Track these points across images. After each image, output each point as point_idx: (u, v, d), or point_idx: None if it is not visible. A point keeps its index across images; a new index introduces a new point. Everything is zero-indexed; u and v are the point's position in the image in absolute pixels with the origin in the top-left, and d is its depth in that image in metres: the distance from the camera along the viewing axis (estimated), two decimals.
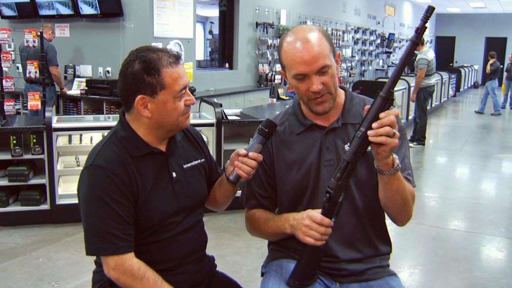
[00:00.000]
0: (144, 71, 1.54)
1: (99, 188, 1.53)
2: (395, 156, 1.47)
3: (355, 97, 1.74)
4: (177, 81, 1.57)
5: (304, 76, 1.57)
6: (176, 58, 1.60)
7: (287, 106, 1.82)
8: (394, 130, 1.37)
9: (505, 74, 14.16)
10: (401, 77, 1.43)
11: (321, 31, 1.61)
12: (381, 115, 1.38)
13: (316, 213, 1.51)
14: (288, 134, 1.74)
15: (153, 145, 1.64)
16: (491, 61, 12.93)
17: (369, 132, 1.38)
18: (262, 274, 1.85)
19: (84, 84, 7.02)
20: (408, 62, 1.42)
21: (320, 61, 1.55)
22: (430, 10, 1.35)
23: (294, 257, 1.71)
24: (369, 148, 1.43)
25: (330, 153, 1.67)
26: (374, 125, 1.37)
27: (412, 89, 8.58)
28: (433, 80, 8.17)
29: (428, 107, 8.84)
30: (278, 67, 10.02)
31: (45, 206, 4.27)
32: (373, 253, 1.73)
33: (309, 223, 1.51)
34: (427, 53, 7.90)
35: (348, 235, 1.69)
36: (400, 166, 1.49)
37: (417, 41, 1.37)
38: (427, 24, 1.38)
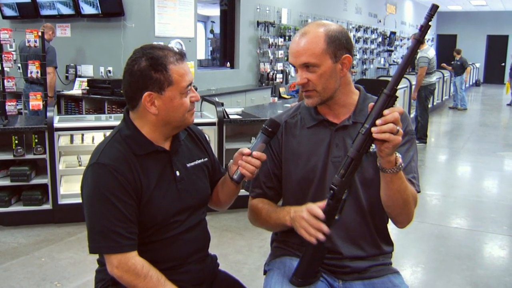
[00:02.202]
0: (152, 67, 1.55)
1: (103, 186, 1.53)
2: (398, 155, 1.47)
3: (369, 97, 1.75)
4: (183, 77, 1.58)
5: (295, 67, 1.65)
6: (181, 55, 1.61)
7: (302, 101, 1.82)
8: (397, 127, 1.38)
9: (509, 72, 14.22)
10: (404, 75, 1.44)
11: (327, 30, 1.61)
12: (385, 112, 1.38)
13: (316, 207, 1.51)
14: (299, 127, 1.76)
15: (157, 144, 1.65)
16: (457, 57, 13.02)
17: (373, 129, 1.38)
18: (265, 272, 1.85)
19: (86, 84, 7.02)
20: (412, 60, 1.43)
21: (303, 57, 1.60)
22: (434, 8, 1.35)
23: (297, 255, 1.71)
24: (374, 146, 1.43)
25: (338, 150, 1.68)
26: (378, 122, 1.38)
27: (413, 87, 8.57)
28: (434, 78, 8.16)
29: (430, 105, 8.83)
30: (279, 66, 10.02)
31: (47, 206, 4.28)
32: (376, 252, 1.73)
33: (306, 216, 1.51)
34: (428, 51, 7.90)
35: (352, 232, 1.69)
36: (402, 165, 1.49)
37: (421, 39, 1.38)
38: (430, 23, 1.38)
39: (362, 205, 1.68)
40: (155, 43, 1.77)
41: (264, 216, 1.73)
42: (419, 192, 1.67)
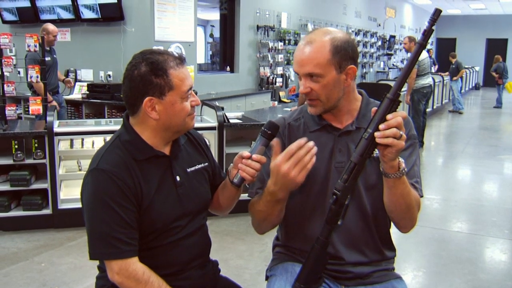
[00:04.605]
0: (152, 72, 1.54)
1: (103, 191, 1.52)
2: (401, 159, 1.46)
3: (371, 102, 1.74)
4: (183, 81, 1.58)
5: (299, 75, 1.63)
6: (181, 60, 1.61)
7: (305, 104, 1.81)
8: (400, 132, 1.37)
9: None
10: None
11: (333, 40, 1.58)
12: (388, 116, 1.37)
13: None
14: (302, 131, 1.74)
15: (157, 149, 1.64)
16: (452, 62, 13.07)
17: (376, 134, 1.37)
18: (267, 278, 1.84)
19: (86, 88, 7.01)
20: (415, 64, 1.42)
21: (307, 67, 1.59)
22: (437, 13, 1.35)
23: (299, 260, 1.71)
24: (377, 151, 1.42)
25: (342, 155, 1.67)
26: (381, 126, 1.37)
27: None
28: (427, 80, 7.87)
29: (429, 109, 8.75)
30: (279, 70, 10.02)
31: (47, 211, 4.26)
32: (378, 258, 1.73)
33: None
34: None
35: (355, 238, 1.68)
36: (406, 170, 1.48)
37: (424, 43, 1.37)
38: (433, 27, 1.37)
39: (365, 210, 1.67)
40: (154, 47, 1.77)
41: (257, 204, 1.65)
42: (422, 196, 1.67)
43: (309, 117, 1.74)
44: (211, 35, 15.73)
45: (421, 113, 7.97)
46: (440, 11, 1.35)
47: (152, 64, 1.55)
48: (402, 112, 1.39)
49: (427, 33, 1.36)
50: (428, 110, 10.14)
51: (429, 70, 7.91)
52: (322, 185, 1.67)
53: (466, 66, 18.53)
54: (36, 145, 4.13)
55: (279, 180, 1.48)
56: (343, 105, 1.68)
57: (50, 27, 6.09)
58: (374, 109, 1.40)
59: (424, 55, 7.84)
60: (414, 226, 1.66)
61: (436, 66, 15.96)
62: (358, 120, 1.69)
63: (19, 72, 6.71)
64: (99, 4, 6.88)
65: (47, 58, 5.83)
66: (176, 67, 1.57)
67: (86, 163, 3.99)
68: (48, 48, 6.00)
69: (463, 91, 17.39)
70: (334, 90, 1.61)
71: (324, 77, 1.59)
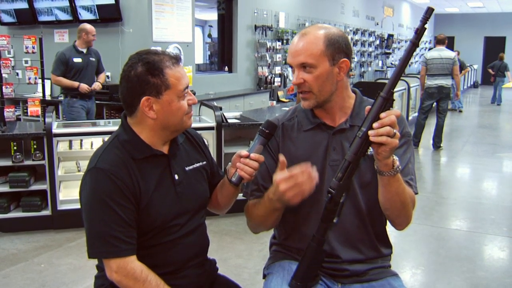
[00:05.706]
0: (148, 72, 1.56)
1: (101, 191, 1.54)
2: (395, 157, 1.47)
3: (365, 100, 1.75)
4: (180, 80, 1.60)
5: (292, 67, 1.65)
6: (176, 59, 1.63)
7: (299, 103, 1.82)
8: (394, 130, 1.38)
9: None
10: (401, 78, 1.44)
11: (327, 33, 1.62)
12: (382, 115, 1.38)
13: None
14: (296, 130, 1.75)
15: (156, 148, 1.65)
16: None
17: (370, 132, 1.38)
18: (264, 276, 1.85)
19: None
20: (408, 62, 1.43)
21: (301, 57, 1.61)
22: (429, 11, 1.36)
23: (296, 258, 1.71)
24: (371, 149, 1.43)
25: (336, 153, 1.68)
26: (375, 125, 1.38)
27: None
28: (434, 82, 7.64)
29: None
30: (277, 69, 10.03)
31: (47, 212, 4.27)
32: (375, 255, 1.74)
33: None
34: (429, 52, 7.72)
35: (351, 236, 1.70)
36: (400, 167, 1.49)
37: (416, 42, 1.38)
38: (426, 25, 1.38)
39: (361, 208, 1.68)
40: (152, 48, 1.78)
41: (255, 209, 1.69)
42: (417, 193, 1.68)
43: (303, 116, 1.75)
44: (209, 35, 15.75)
45: (423, 111, 7.86)
46: (432, 9, 1.36)
47: (148, 64, 1.56)
48: (395, 111, 1.40)
49: (419, 32, 1.37)
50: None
51: (441, 72, 7.64)
52: (317, 184, 1.68)
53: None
54: (35, 146, 4.14)
55: (276, 193, 1.52)
56: (336, 101, 1.69)
57: (88, 26, 5.75)
58: (367, 107, 1.41)
59: (433, 54, 7.71)
60: (409, 224, 1.67)
61: None
62: (352, 118, 1.70)
63: (17, 74, 6.71)
64: (97, 5, 6.89)
65: (78, 59, 5.68)
66: (172, 67, 1.59)
67: (85, 164, 3.99)
68: (84, 50, 5.75)
69: (461, 89, 17.40)
70: (326, 82, 1.63)
71: (317, 68, 1.60)
